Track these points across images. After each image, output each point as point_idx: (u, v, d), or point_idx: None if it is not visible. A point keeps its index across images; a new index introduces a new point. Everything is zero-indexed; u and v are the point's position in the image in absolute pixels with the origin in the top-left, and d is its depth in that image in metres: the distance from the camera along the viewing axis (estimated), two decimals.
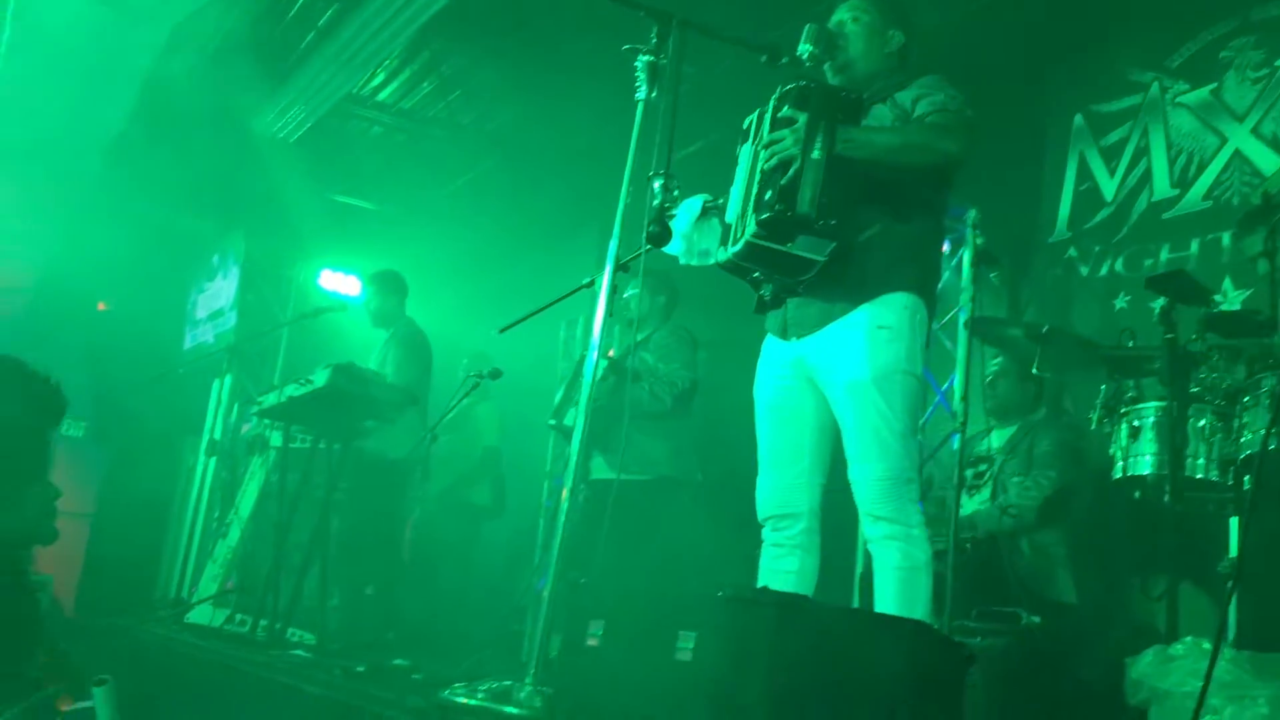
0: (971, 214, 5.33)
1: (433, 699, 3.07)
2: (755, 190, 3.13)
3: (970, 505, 5.14)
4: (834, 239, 3.08)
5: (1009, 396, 5.18)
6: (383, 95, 7.57)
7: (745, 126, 3.36)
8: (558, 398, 5.44)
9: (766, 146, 3.09)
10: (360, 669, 3.98)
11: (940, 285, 5.96)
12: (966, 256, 5.36)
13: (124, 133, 7.21)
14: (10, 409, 2.26)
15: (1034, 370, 4.39)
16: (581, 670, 2.51)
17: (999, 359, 5.21)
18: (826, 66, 3.39)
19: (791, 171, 3.02)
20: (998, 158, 5.39)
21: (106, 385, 9.50)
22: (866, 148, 3.09)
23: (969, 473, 5.18)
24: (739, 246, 3.16)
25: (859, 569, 5.10)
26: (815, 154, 3.04)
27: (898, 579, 2.99)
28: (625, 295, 5.16)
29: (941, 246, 3.43)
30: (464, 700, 2.99)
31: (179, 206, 7.72)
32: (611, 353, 5.25)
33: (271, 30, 6.81)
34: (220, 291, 8.42)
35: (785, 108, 3.11)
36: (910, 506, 3.06)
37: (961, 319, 5.38)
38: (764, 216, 3.04)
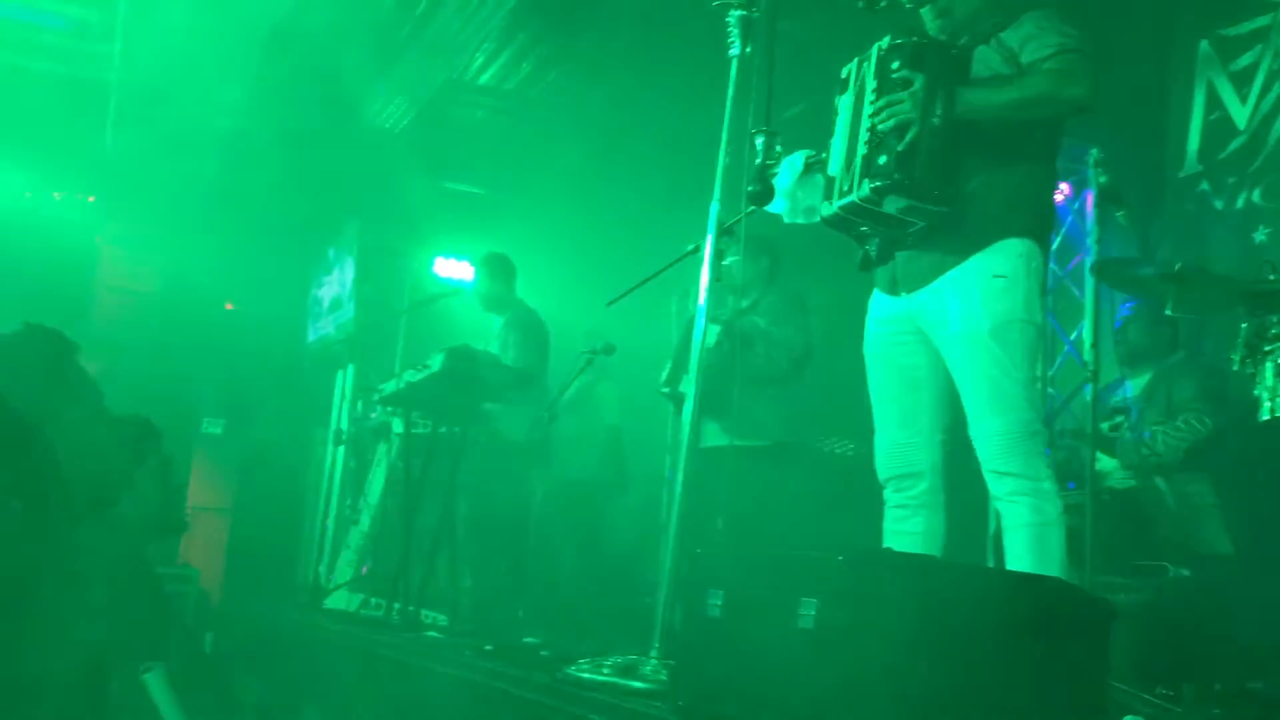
0: (1093, 153, 5.09)
1: (559, 675, 3.06)
2: (865, 150, 3.02)
3: (1106, 460, 4.95)
4: (949, 206, 2.98)
5: (1141, 342, 4.96)
6: (483, 79, 7.58)
7: (844, 76, 3.25)
8: (668, 365, 5.40)
9: (882, 109, 2.96)
10: (489, 648, 4.01)
11: (1063, 229, 5.80)
12: (1090, 197, 5.14)
13: (237, 133, 7.38)
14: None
15: (1167, 312, 4.17)
16: (704, 641, 2.46)
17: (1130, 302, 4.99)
18: (925, 10, 3.25)
19: (910, 137, 2.91)
20: (1118, 91, 5.11)
21: (239, 383, 9.82)
22: (988, 109, 2.98)
23: (1104, 425, 4.98)
24: (846, 202, 3.06)
25: (992, 528, 4.94)
26: (935, 120, 2.93)
27: (1029, 535, 2.87)
28: (726, 262, 5.08)
29: (1055, 187, 3.28)
30: (589, 675, 2.98)
31: (294, 202, 7.87)
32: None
33: (371, 21, 6.87)
34: (338, 284, 8.58)
35: (897, 63, 2.99)
36: (1037, 460, 2.93)
37: (1088, 263, 5.16)
38: (879, 184, 2.95)
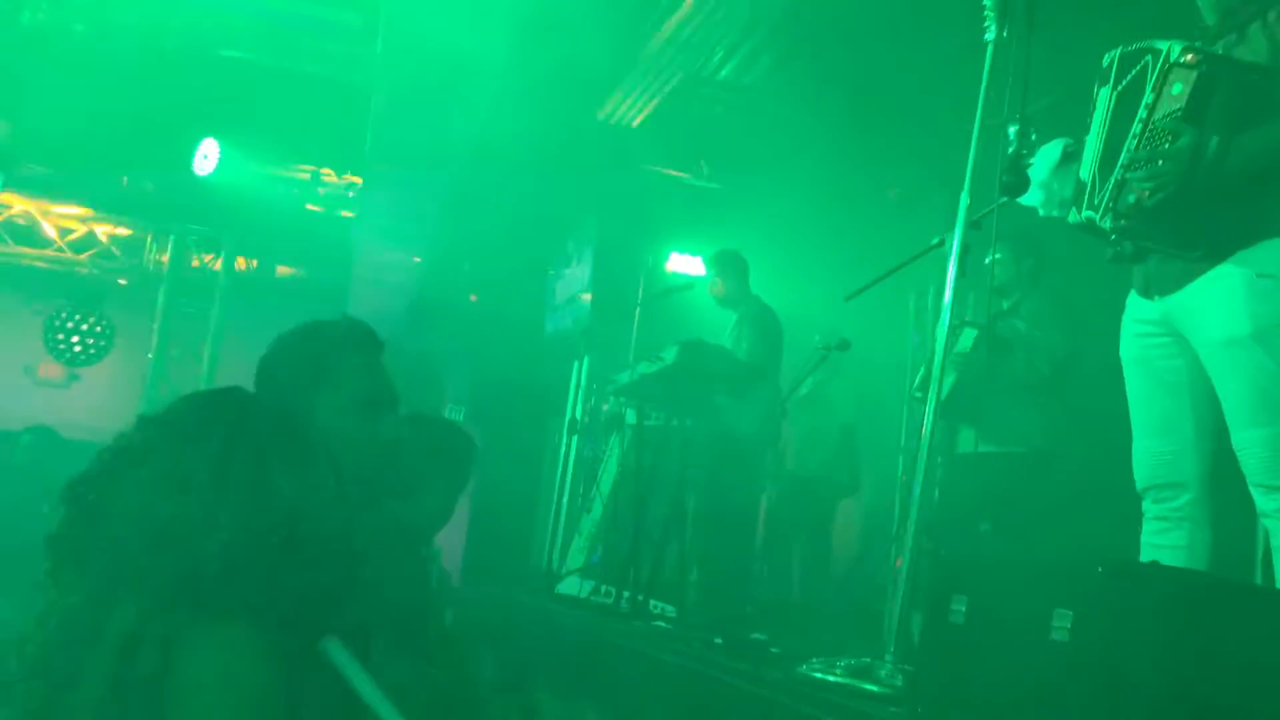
0: None
1: (790, 673, 3.02)
2: (1119, 175, 2.85)
3: None
4: (1202, 250, 2.82)
5: None
6: (723, 73, 7.59)
7: (1105, 65, 3.06)
8: (922, 369, 5.25)
9: (1142, 157, 2.79)
10: (718, 641, 3.99)
11: None
12: None
13: (485, 130, 7.64)
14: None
15: None
16: (945, 648, 2.37)
17: None
18: None
19: (1162, 197, 2.74)
20: None
21: (481, 371, 10.21)
22: (1264, 156, 2.72)
23: None
24: (1088, 219, 2.92)
25: (1260, 548, 4.57)
26: (1200, 176, 2.71)
27: None
28: (987, 260, 4.93)
29: None
30: (822, 675, 2.93)
31: (536, 196, 8.11)
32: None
33: (614, 17, 6.98)
34: (576, 277, 8.77)
35: (1179, 87, 2.75)
36: None
37: None
38: (1121, 224, 2.86)
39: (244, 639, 1.47)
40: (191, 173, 8.36)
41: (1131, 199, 2.81)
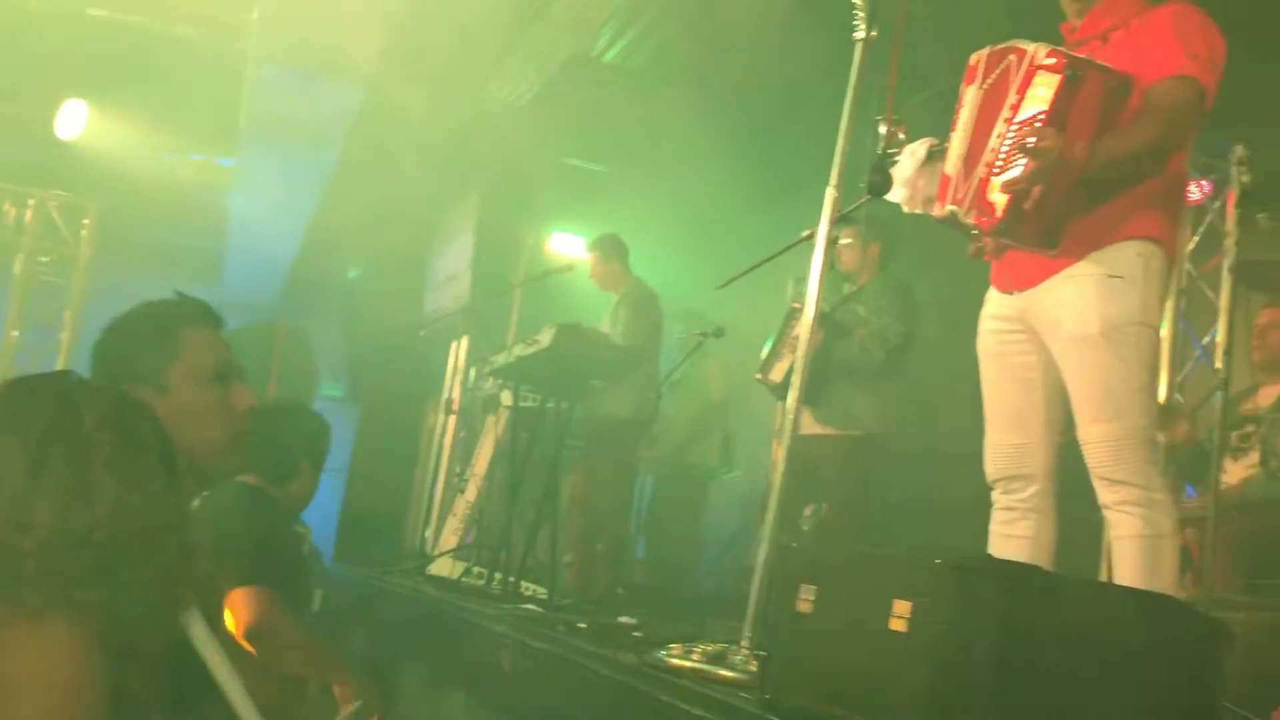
0: (1236, 150, 4.85)
1: (647, 658, 3.04)
2: (983, 172, 2.89)
3: (1236, 471, 4.73)
4: (1056, 246, 2.90)
5: None
6: (609, 56, 7.56)
7: (971, 64, 3.13)
8: (764, 352, 5.35)
9: (1010, 155, 2.81)
10: (582, 625, 4.00)
11: (1201, 229, 5.54)
12: (1231, 197, 4.90)
13: (364, 103, 7.50)
14: None
15: None
16: (793, 635, 2.40)
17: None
18: None
19: (1034, 196, 2.78)
20: (1267, 83, 4.86)
21: (359, 348, 10.05)
22: (1117, 165, 2.82)
23: (1233, 434, 4.76)
24: (953, 212, 2.97)
25: (1107, 538, 4.77)
26: (1063, 178, 2.77)
27: (1139, 548, 2.75)
28: (836, 246, 5.01)
29: (1183, 185, 3.11)
30: (678, 661, 2.95)
31: (416, 173, 7.99)
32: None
33: None
34: (456, 255, 8.68)
35: (1043, 89, 2.78)
36: (1150, 469, 2.81)
37: (1226, 265, 4.93)
38: (987, 222, 2.87)
39: (67, 637, 1.40)
40: (54, 135, 8.01)
41: (994, 197, 2.85)
